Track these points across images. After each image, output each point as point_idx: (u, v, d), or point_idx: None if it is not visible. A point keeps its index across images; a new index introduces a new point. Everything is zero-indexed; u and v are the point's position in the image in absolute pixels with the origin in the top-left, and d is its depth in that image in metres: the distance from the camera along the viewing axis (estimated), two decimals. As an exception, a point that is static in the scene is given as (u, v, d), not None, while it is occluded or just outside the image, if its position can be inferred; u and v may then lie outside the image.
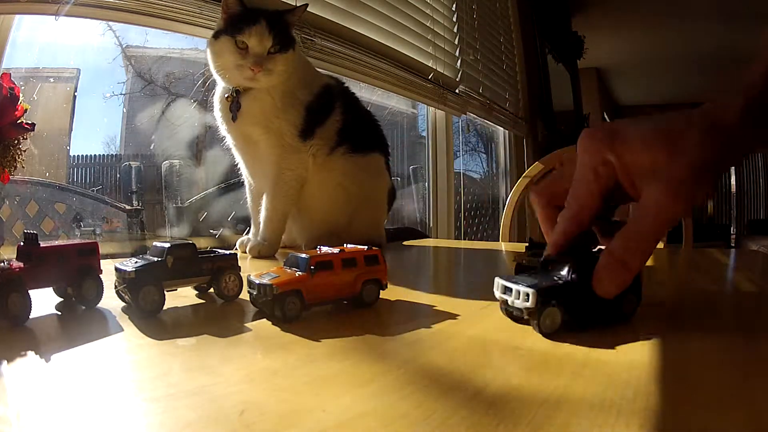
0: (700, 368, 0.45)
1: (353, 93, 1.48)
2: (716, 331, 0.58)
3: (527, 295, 0.52)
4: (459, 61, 2.90)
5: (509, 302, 0.55)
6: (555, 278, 0.55)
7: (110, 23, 1.63)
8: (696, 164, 0.51)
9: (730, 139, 0.52)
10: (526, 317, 0.54)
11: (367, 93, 2.41)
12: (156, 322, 0.60)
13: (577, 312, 0.53)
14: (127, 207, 1.79)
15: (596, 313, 0.54)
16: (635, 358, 0.46)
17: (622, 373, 0.42)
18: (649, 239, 0.52)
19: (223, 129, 1.34)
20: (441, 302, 0.70)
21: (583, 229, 0.58)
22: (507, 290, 0.55)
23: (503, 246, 1.63)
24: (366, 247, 0.68)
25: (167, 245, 0.65)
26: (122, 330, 0.56)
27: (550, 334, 0.52)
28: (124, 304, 0.66)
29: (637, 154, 0.54)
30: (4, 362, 0.45)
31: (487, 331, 0.56)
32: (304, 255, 0.63)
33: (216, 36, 1.26)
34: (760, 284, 0.99)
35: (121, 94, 1.85)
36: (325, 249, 0.67)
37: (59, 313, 0.64)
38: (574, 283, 0.53)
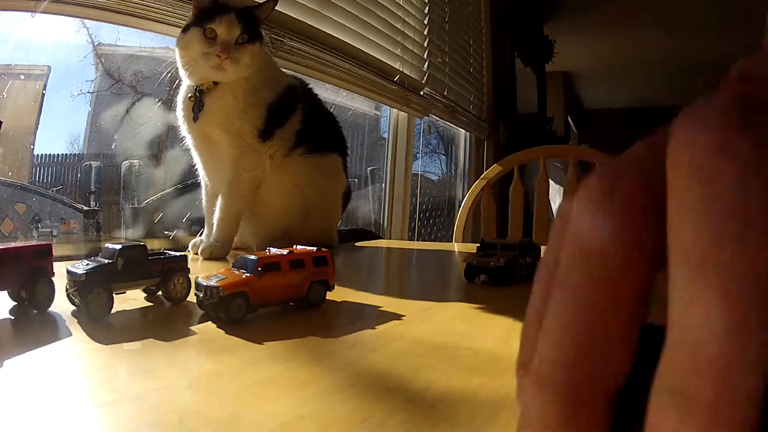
0: None
1: (316, 94, 1.48)
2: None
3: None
4: (426, 64, 2.90)
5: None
6: None
7: (84, 21, 1.60)
8: None
9: None
10: None
11: (331, 94, 2.41)
12: (104, 326, 0.59)
13: None
14: (85, 208, 1.76)
15: None
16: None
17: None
18: None
19: (183, 129, 1.32)
20: (387, 303, 0.71)
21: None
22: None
23: (456, 247, 1.64)
24: (315, 248, 0.68)
25: (118, 247, 0.64)
26: (71, 334, 0.55)
27: None
28: (74, 307, 0.64)
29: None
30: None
31: (431, 332, 0.56)
32: (252, 256, 0.62)
33: (185, 30, 1.25)
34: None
35: (88, 92, 1.82)
36: (274, 250, 0.67)
37: (12, 317, 0.63)
38: None
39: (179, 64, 1.27)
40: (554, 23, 5.61)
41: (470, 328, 0.56)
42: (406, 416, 0.35)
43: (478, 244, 0.87)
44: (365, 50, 2.32)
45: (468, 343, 0.51)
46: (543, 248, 0.91)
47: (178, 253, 0.71)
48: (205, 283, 0.60)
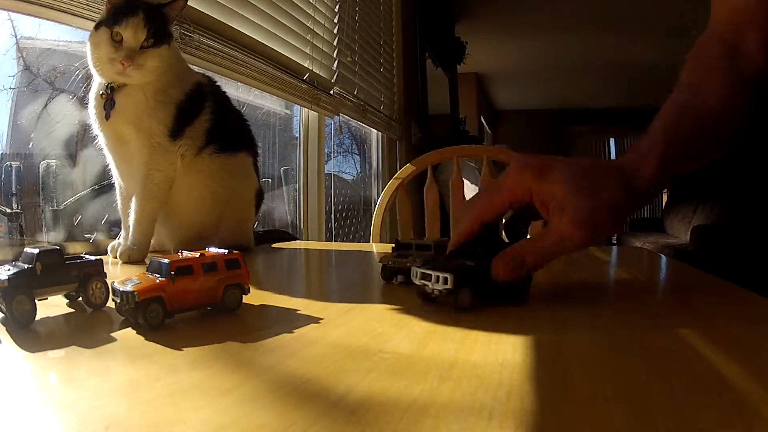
0: (576, 365, 0.47)
1: (224, 92, 1.45)
2: (593, 326, 0.61)
3: (446, 279, 0.63)
4: (336, 63, 2.90)
5: (429, 287, 0.65)
6: (466, 264, 0.67)
7: (9, 13, 1.54)
8: (607, 208, 0.67)
9: (639, 196, 0.69)
10: (441, 299, 0.66)
11: (243, 93, 2.38)
12: (30, 333, 0.58)
13: (482, 291, 0.65)
14: (8, 210, 1.70)
15: (497, 293, 0.67)
16: (507, 358, 0.46)
17: (494, 373, 0.43)
18: (545, 253, 0.68)
19: (96, 127, 1.28)
20: (306, 306, 0.71)
21: (479, 229, 0.73)
22: (426, 276, 0.65)
23: (374, 247, 1.65)
24: (226, 250, 0.68)
25: (36, 251, 0.62)
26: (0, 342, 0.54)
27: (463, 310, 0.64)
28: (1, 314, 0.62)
29: (555, 186, 0.68)
30: None
31: (350, 335, 0.56)
32: (165, 260, 0.62)
33: (96, 27, 1.21)
34: (643, 278, 1.04)
35: (10, 88, 1.75)
36: (186, 253, 0.66)
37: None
38: (480, 268, 0.66)
39: (89, 62, 1.23)
40: (466, 25, 5.70)
41: (389, 330, 0.57)
42: (328, 422, 0.35)
43: (393, 245, 0.88)
44: (275, 48, 2.32)
45: (387, 346, 0.51)
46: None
47: (93, 258, 0.69)
48: (121, 289, 0.59)
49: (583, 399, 0.39)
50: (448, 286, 0.63)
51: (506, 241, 0.74)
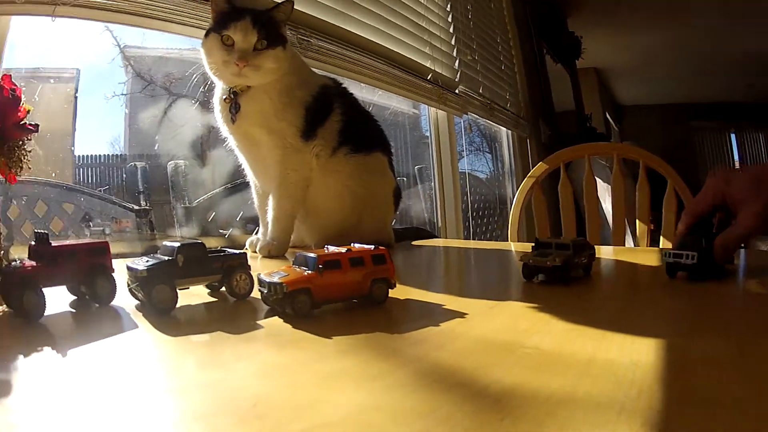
0: (705, 368, 0.46)
1: (351, 93, 1.48)
2: (722, 331, 0.59)
3: (693, 256, 0.85)
4: (457, 62, 2.89)
5: (682, 261, 0.86)
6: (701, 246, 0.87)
7: (107, 24, 1.63)
8: None
9: None
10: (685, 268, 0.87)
11: (368, 94, 2.41)
12: (170, 320, 0.61)
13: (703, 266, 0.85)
14: (136, 207, 1.80)
15: (711, 269, 0.87)
16: (640, 358, 0.46)
17: (627, 372, 0.43)
18: (736, 238, 0.89)
19: (224, 130, 1.34)
20: (450, 301, 0.71)
21: (695, 221, 0.99)
22: (678, 255, 0.86)
23: (512, 246, 1.63)
24: (372, 246, 0.69)
25: (177, 244, 0.66)
26: (137, 327, 0.58)
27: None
28: (137, 302, 0.67)
29: (737, 191, 0.93)
30: (20, 356, 0.46)
31: (494, 331, 0.56)
32: (312, 254, 0.64)
33: (207, 34, 1.26)
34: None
35: (122, 94, 1.85)
36: (332, 248, 0.68)
37: (73, 310, 0.65)
38: (703, 251, 0.86)
39: (206, 68, 1.28)
40: (578, 19, 5.52)
41: (532, 327, 0.57)
42: (472, 409, 0.36)
43: (533, 244, 0.88)
44: (393, 48, 2.33)
45: (530, 342, 0.51)
46: (597, 248, 0.93)
47: (237, 251, 0.73)
48: (268, 280, 0.62)
49: (708, 403, 0.38)
50: (695, 261, 0.84)
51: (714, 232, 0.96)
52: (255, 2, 1.38)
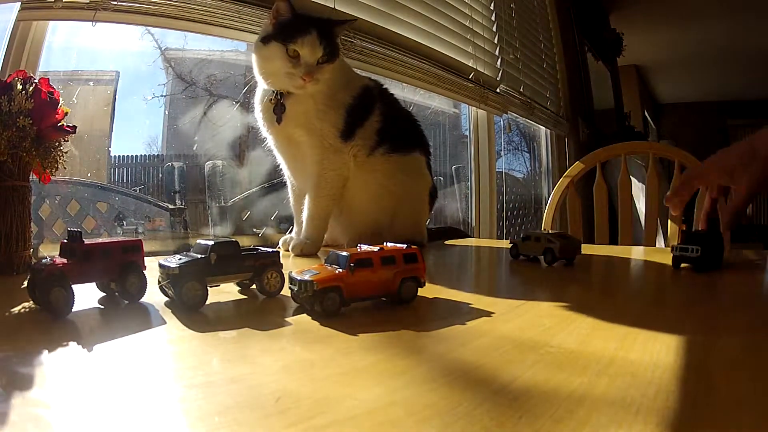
0: (724, 368, 0.46)
1: (392, 94, 1.49)
2: (744, 331, 0.59)
3: (697, 250, 0.97)
4: (499, 60, 2.88)
5: (688, 254, 0.99)
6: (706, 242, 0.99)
7: (148, 28, 1.66)
8: (757, 178, 1.00)
9: None
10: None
11: (409, 93, 2.42)
12: (198, 316, 0.62)
13: (708, 255, 0.98)
14: (170, 206, 1.82)
15: (712, 261, 0.99)
16: (660, 358, 0.46)
17: (646, 372, 0.43)
18: (743, 201, 1.04)
19: (265, 131, 1.36)
20: (478, 300, 0.72)
21: (694, 190, 1.16)
22: (683, 249, 0.99)
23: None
24: (405, 245, 0.70)
25: (211, 242, 0.67)
26: (165, 323, 0.59)
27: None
28: (167, 299, 0.68)
29: (735, 157, 1.04)
30: (45, 351, 0.48)
31: (519, 329, 0.57)
32: (344, 253, 0.65)
33: (265, 41, 1.27)
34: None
35: (162, 95, 1.88)
36: (365, 247, 0.69)
37: (102, 307, 0.67)
38: (705, 245, 0.98)
39: (257, 71, 1.30)
40: (619, 15, 5.46)
41: (557, 326, 0.57)
42: (491, 406, 0.36)
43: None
44: (436, 48, 2.33)
45: (554, 341, 0.52)
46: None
47: (270, 249, 0.74)
48: (299, 278, 0.63)
49: (726, 403, 0.38)
50: (698, 254, 0.97)
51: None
52: (308, 7, 1.39)
